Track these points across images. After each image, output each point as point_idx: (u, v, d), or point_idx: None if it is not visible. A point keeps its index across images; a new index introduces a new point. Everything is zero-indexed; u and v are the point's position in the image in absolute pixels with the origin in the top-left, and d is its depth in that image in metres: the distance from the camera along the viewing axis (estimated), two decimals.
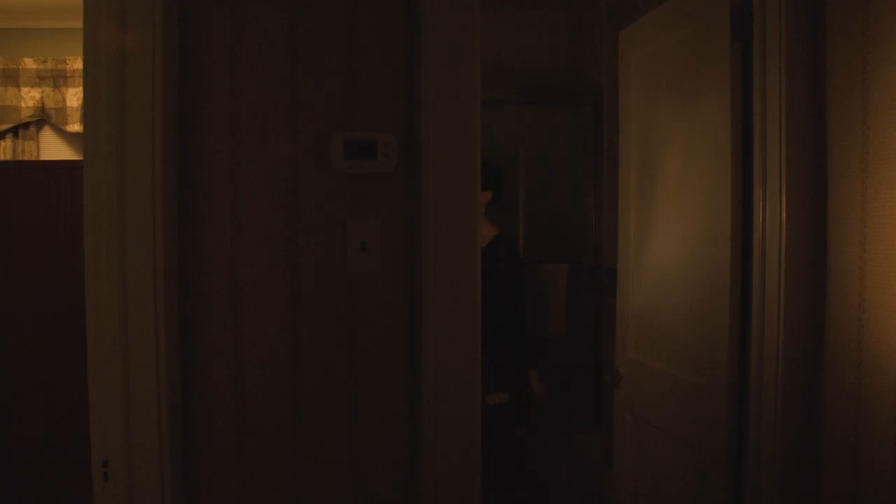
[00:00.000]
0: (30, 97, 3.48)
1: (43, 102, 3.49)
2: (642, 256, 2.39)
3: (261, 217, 1.58)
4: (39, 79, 3.48)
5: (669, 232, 2.22)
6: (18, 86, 3.48)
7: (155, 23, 1.46)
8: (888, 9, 1.46)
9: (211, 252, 1.57)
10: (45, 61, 3.47)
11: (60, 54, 3.48)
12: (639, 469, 2.43)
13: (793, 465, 1.70)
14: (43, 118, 3.52)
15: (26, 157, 3.50)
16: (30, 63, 3.47)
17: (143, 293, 1.47)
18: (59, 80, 3.49)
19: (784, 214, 1.69)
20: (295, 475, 1.60)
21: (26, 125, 3.51)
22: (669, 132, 2.22)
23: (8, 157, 3.48)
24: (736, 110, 1.87)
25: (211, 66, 1.56)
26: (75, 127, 3.50)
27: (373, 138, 1.56)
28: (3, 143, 3.49)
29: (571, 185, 3.45)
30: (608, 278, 3.13)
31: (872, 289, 1.50)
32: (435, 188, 1.54)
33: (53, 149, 3.58)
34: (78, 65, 3.47)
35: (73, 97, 3.50)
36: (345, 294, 1.60)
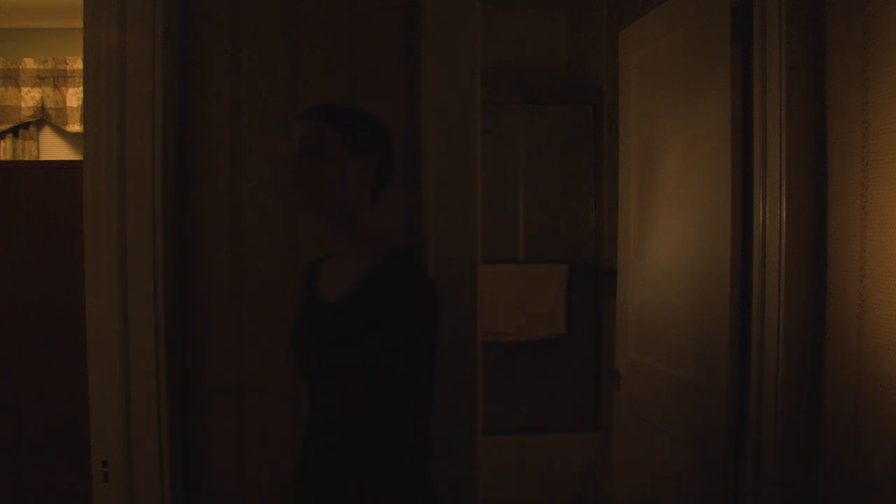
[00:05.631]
0: (30, 97, 3.48)
1: (43, 102, 3.49)
2: (643, 256, 2.39)
3: (261, 216, 1.58)
4: (39, 79, 3.48)
5: (670, 232, 2.22)
6: (18, 86, 3.48)
7: (155, 23, 1.46)
8: (888, 9, 1.46)
9: (211, 251, 1.57)
10: (45, 61, 3.47)
11: (60, 54, 3.48)
12: (638, 469, 2.43)
13: (793, 464, 1.69)
14: (43, 118, 3.52)
15: (26, 157, 3.50)
16: (30, 63, 3.47)
17: (143, 293, 1.47)
18: (59, 80, 3.49)
19: (784, 214, 1.68)
20: None
21: (26, 125, 3.51)
22: (669, 132, 2.22)
23: (8, 157, 3.48)
24: (736, 110, 1.87)
25: (211, 67, 1.56)
26: (75, 127, 3.50)
27: None
28: (3, 143, 3.49)
29: (571, 185, 3.45)
30: (608, 278, 3.13)
31: (872, 287, 1.50)
32: (436, 188, 1.54)
33: (53, 149, 3.58)
34: (78, 65, 3.47)
35: (73, 97, 3.50)
36: None
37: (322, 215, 1.29)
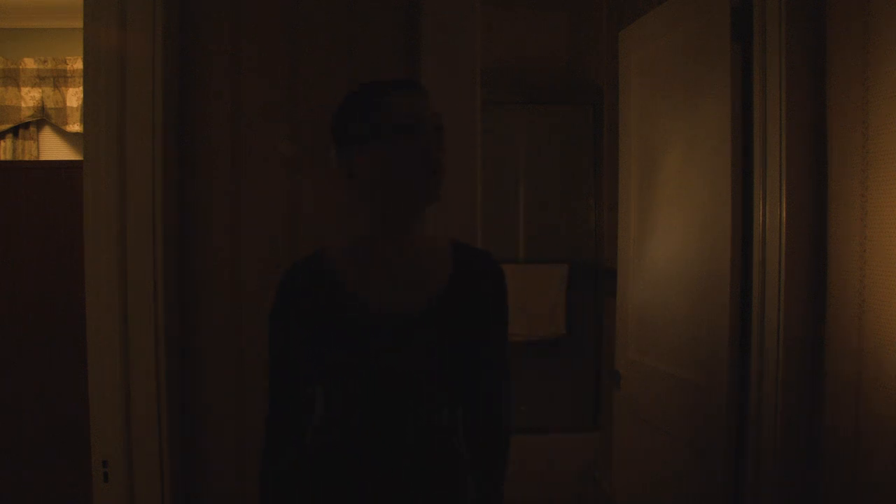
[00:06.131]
0: (30, 97, 3.48)
1: (43, 102, 3.49)
2: (643, 256, 2.39)
3: (261, 216, 1.58)
4: (39, 79, 3.48)
5: (670, 232, 2.22)
6: (18, 86, 3.48)
7: (155, 23, 1.46)
8: (888, 9, 1.46)
9: (211, 251, 1.57)
10: (45, 61, 3.47)
11: (60, 54, 3.48)
12: (638, 469, 2.43)
13: (793, 464, 1.70)
14: (43, 118, 3.52)
15: (26, 157, 3.49)
16: (30, 63, 3.47)
17: (143, 293, 1.47)
18: (59, 80, 3.49)
19: (784, 214, 1.68)
20: None
21: (26, 125, 3.51)
22: (670, 132, 2.22)
23: (8, 157, 3.48)
24: (736, 110, 1.87)
25: (211, 67, 1.56)
26: (75, 127, 3.50)
27: None
28: (3, 143, 3.49)
29: (571, 185, 3.45)
30: (608, 278, 3.13)
31: (872, 287, 1.50)
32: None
33: (53, 149, 3.58)
34: (78, 65, 3.47)
35: (73, 97, 3.50)
36: None
37: (429, 205, 1.12)
